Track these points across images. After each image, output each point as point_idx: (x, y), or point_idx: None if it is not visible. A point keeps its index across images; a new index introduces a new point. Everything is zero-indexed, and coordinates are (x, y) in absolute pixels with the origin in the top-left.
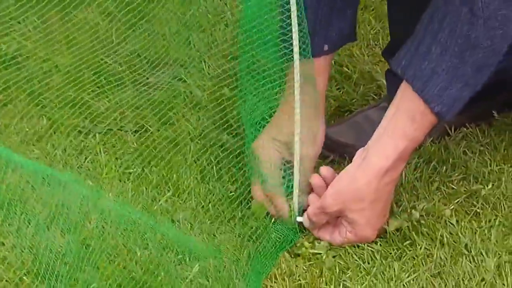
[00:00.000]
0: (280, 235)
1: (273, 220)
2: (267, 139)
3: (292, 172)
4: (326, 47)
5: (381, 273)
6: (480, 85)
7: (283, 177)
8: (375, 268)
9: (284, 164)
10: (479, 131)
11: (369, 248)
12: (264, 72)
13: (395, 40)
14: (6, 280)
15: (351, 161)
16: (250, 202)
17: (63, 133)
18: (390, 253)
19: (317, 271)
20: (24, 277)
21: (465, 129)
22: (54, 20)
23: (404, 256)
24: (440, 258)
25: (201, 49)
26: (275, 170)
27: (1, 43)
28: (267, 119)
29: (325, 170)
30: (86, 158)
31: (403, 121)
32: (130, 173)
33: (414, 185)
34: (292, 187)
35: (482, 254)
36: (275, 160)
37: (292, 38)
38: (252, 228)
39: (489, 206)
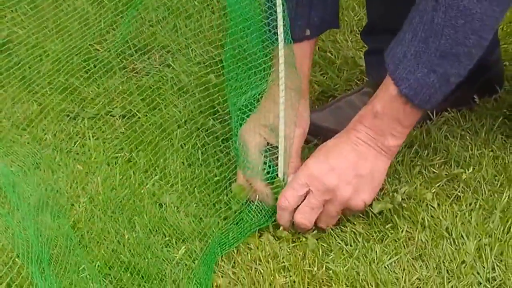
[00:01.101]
0: (258, 216)
1: (253, 203)
2: (253, 125)
3: (276, 157)
4: (308, 32)
5: (363, 256)
6: (453, 76)
7: (265, 163)
8: (357, 251)
9: (269, 149)
10: (460, 116)
11: (351, 230)
12: (249, 58)
13: (372, 21)
14: None
15: None
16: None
17: (53, 118)
18: (372, 236)
19: (301, 253)
20: (16, 259)
21: (446, 113)
22: (45, 7)
23: (386, 239)
24: (421, 240)
25: (188, 35)
26: (258, 156)
27: None
28: (252, 105)
29: None
30: (75, 143)
31: (375, 96)
32: (118, 157)
33: (396, 169)
34: (274, 171)
35: (462, 237)
36: (260, 145)
37: (276, 22)
38: (235, 211)
39: (469, 190)
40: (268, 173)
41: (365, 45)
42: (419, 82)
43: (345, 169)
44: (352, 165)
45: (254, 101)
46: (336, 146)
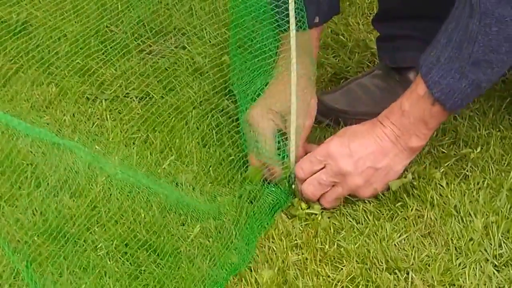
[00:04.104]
0: (276, 198)
1: (268, 184)
2: (262, 109)
3: (285, 141)
4: (317, 19)
5: (374, 233)
6: (485, 83)
7: (278, 146)
8: (368, 229)
9: (281, 134)
10: None
11: (362, 209)
12: (256, 44)
13: (383, 8)
14: (18, 240)
15: (345, 127)
16: (248, 166)
17: (72, 99)
18: (383, 214)
19: (313, 231)
20: (36, 238)
21: None
22: None
23: (396, 217)
24: (430, 218)
25: (203, 18)
26: (270, 139)
27: (11, 12)
28: (258, 90)
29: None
30: (93, 124)
31: (404, 94)
32: (135, 138)
33: None
34: (285, 156)
35: (470, 215)
36: (270, 129)
37: (287, 9)
38: (249, 191)
39: (477, 169)
40: (283, 157)
41: (377, 31)
42: (451, 86)
43: (362, 158)
44: (371, 157)
45: (260, 87)
46: (360, 134)
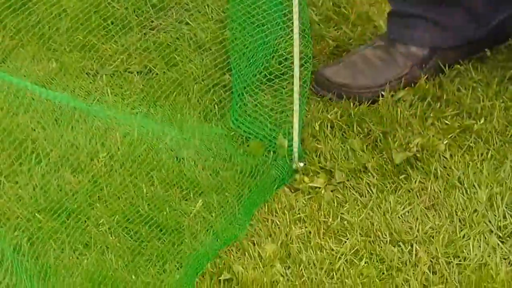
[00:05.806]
0: (278, 171)
1: (271, 158)
2: None
3: None
4: None
5: (377, 206)
6: None
7: None
8: (371, 201)
9: None
10: (472, 67)
11: (366, 182)
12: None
13: None
14: (19, 217)
15: (347, 100)
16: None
17: (72, 75)
18: (386, 187)
19: (316, 205)
20: (37, 214)
21: (458, 66)
22: None
23: (399, 190)
24: (434, 191)
25: None
26: None
27: None
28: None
29: None
30: (94, 99)
31: None
32: (136, 113)
33: (409, 121)
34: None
35: (474, 186)
36: None
37: None
38: (251, 165)
39: (481, 141)
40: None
41: (389, 4)
42: None
43: None
44: None
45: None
46: None
